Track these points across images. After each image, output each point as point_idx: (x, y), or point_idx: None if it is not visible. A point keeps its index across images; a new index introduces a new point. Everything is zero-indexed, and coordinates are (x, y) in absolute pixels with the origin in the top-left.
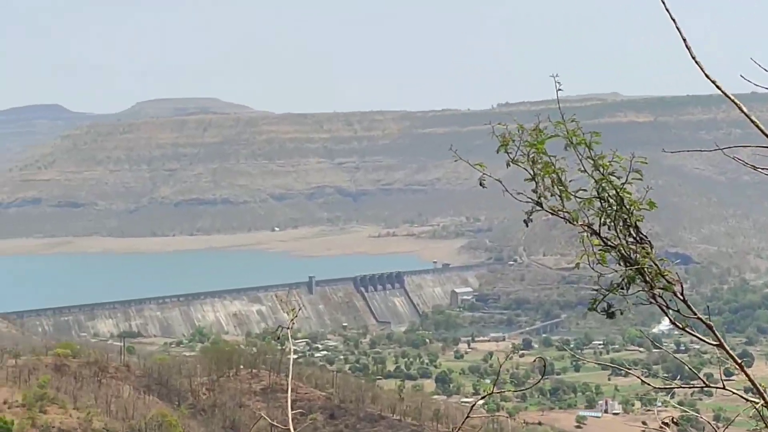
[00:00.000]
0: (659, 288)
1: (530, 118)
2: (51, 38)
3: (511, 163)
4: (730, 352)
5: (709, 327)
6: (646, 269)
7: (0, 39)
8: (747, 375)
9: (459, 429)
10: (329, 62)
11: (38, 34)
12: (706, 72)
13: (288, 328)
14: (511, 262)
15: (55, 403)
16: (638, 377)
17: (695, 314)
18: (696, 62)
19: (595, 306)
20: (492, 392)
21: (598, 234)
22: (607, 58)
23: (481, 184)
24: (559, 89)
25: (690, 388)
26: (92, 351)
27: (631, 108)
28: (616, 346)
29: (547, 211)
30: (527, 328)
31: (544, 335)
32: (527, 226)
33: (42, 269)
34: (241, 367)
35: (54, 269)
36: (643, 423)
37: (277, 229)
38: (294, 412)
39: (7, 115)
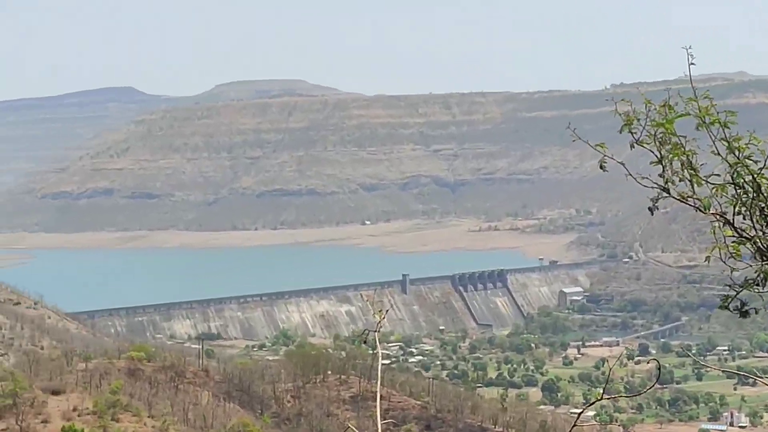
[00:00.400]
0: None
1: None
2: (123, 15)
3: (635, 145)
4: None
5: None
6: None
7: (69, 17)
8: None
9: None
10: (425, 39)
11: (110, 11)
12: None
13: (378, 330)
14: (626, 260)
15: (129, 410)
16: None
17: None
18: None
19: (727, 304)
20: (601, 398)
21: (731, 224)
22: (732, 36)
23: (601, 167)
24: (692, 63)
25: None
26: (168, 354)
27: (760, 88)
28: (743, 353)
29: (674, 197)
30: (643, 333)
31: (662, 340)
32: (652, 213)
33: (114, 265)
34: (329, 372)
35: (127, 265)
36: None
37: (367, 222)
38: (385, 422)
39: (78, 98)
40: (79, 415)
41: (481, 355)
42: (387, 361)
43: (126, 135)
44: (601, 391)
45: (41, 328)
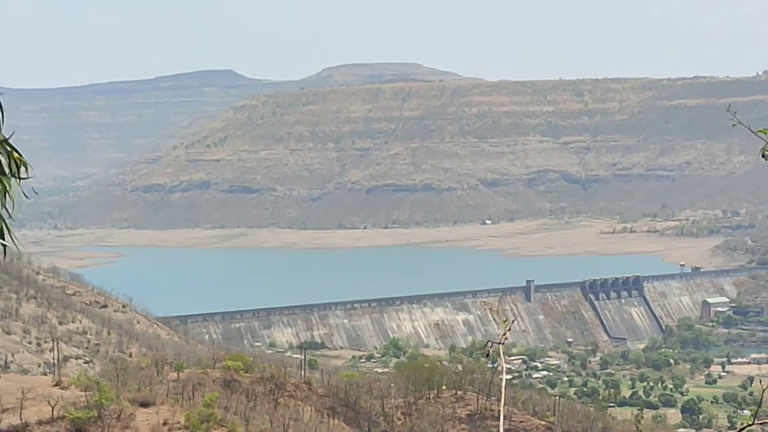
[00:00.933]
0: None
1: None
2: None
3: None
4: None
5: None
6: None
7: None
8: None
9: None
10: (555, 20)
11: None
12: None
13: (501, 342)
14: None
15: (224, 425)
16: None
17: None
18: None
19: None
20: (752, 423)
21: None
22: None
23: (763, 156)
24: None
25: None
26: (267, 364)
27: None
28: None
29: None
30: None
31: None
32: None
33: (209, 266)
34: (444, 387)
35: (223, 266)
36: None
37: (488, 222)
38: None
39: (172, 81)
40: (169, 430)
41: (613, 372)
42: (509, 376)
43: (224, 123)
44: (751, 415)
45: (130, 334)
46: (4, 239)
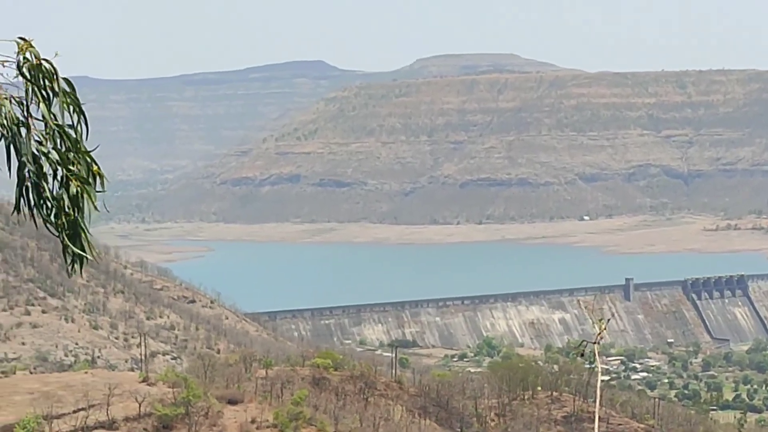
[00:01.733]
0: None
1: None
2: None
3: None
4: None
5: None
6: None
7: None
8: None
9: None
10: (656, 10)
11: None
12: None
13: (598, 342)
14: None
15: (313, 424)
16: None
17: None
18: None
19: None
20: None
21: None
22: None
23: None
24: None
25: None
26: (358, 362)
27: None
28: None
29: None
30: None
31: None
32: None
33: (299, 261)
34: (539, 389)
35: (313, 261)
36: None
37: (586, 218)
38: None
39: (262, 72)
40: (258, 428)
41: (715, 374)
42: (606, 378)
43: (315, 115)
44: None
45: (218, 330)
46: (85, 251)
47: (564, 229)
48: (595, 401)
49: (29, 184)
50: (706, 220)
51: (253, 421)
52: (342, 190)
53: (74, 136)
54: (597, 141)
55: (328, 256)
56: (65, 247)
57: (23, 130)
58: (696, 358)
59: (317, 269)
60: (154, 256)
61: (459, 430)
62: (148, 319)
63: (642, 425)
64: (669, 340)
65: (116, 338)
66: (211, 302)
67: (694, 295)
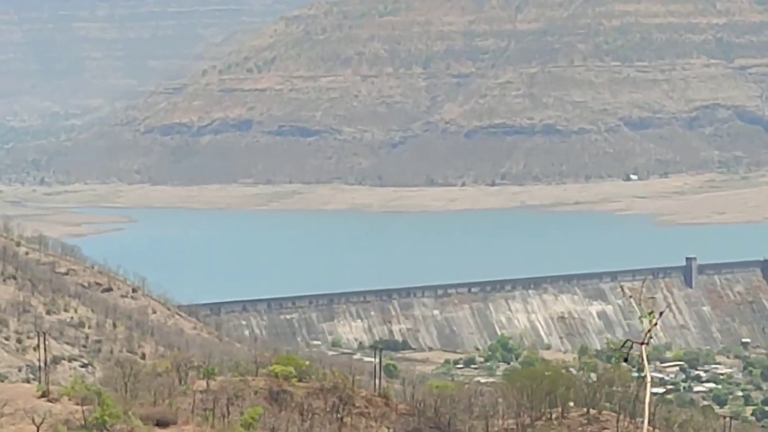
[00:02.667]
0: None
1: None
2: None
3: None
4: None
5: None
6: None
7: None
8: None
9: None
10: None
11: None
12: None
13: (646, 342)
14: None
15: None
16: None
17: None
18: None
19: None
20: None
21: None
22: None
23: None
24: None
25: None
26: (329, 370)
27: None
28: None
29: None
30: None
31: None
32: None
33: (251, 235)
34: (571, 405)
35: (271, 236)
36: None
37: (634, 177)
38: None
39: None
40: None
41: None
42: (660, 390)
43: (272, 39)
44: None
45: (142, 328)
46: None
47: (604, 191)
48: (643, 421)
49: None
50: None
51: None
52: (308, 140)
53: None
54: (648, 74)
55: (289, 229)
56: None
57: None
58: None
59: (275, 246)
60: (57, 229)
61: None
62: (48, 313)
63: None
64: (744, 340)
65: (6, 339)
66: (134, 291)
67: None
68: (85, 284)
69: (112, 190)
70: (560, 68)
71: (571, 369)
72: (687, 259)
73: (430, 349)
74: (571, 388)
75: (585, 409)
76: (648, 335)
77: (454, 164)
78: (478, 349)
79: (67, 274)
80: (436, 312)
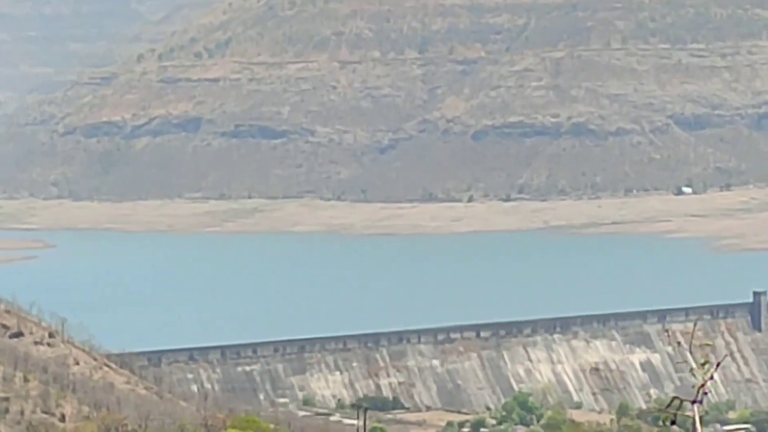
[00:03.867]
0: None
1: None
2: None
3: None
4: None
5: None
6: None
7: None
8: None
9: None
10: None
11: None
12: None
13: (696, 401)
14: None
15: None
16: None
17: None
18: None
19: None
20: None
21: None
22: None
23: None
24: None
25: None
26: None
27: None
28: None
29: None
30: None
31: None
32: None
33: (200, 265)
34: None
35: (224, 266)
36: None
37: (687, 190)
38: None
39: None
40: None
41: None
42: None
43: (226, 16)
44: None
45: (61, 382)
46: None
47: (649, 208)
48: None
49: None
50: None
51: None
52: (273, 144)
53: None
54: (705, 59)
55: (249, 257)
56: None
57: None
58: None
59: (231, 279)
60: None
61: None
62: None
63: None
64: None
65: None
66: (51, 336)
67: None
68: None
69: (22, 208)
70: (593, 52)
71: None
72: (755, 293)
73: (429, 408)
74: None
75: None
76: (702, 391)
77: (459, 174)
78: (489, 409)
79: None
80: (435, 362)
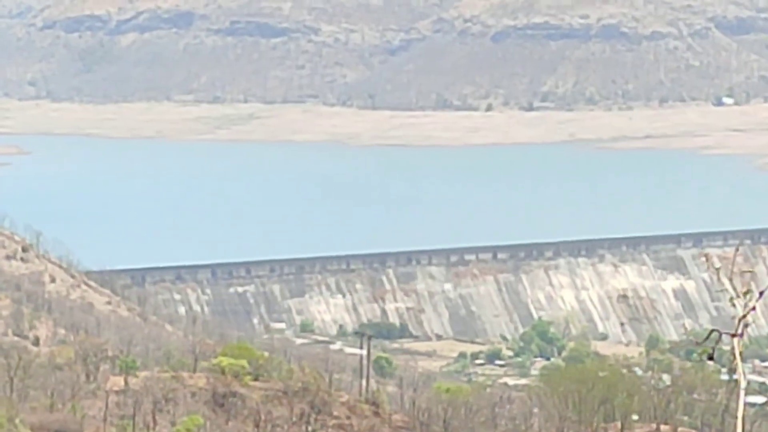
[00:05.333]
0: None
1: None
2: None
3: None
4: None
5: None
6: None
7: None
8: None
9: None
10: None
11: None
12: None
13: (737, 334)
14: None
15: None
16: None
17: None
18: None
19: None
20: None
21: None
22: None
23: None
24: None
25: None
26: (297, 366)
27: None
28: None
29: None
30: None
31: None
32: None
33: (191, 176)
34: (635, 418)
35: (217, 177)
36: None
37: (728, 100)
38: None
39: None
40: None
41: None
42: (761, 400)
43: None
44: None
45: (35, 301)
46: None
47: (687, 121)
48: None
49: None
50: None
51: None
52: (272, 43)
53: None
54: None
55: (244, 167)
56: None
57: None
58: None
59: (224, 192)
60: None
61: None
62: None
63: None
64: None
65: None
66: (24, 250)
67: None
68: None
69: None
70: None
71: (636, 368)
72: None
73: (439, 337)
74: (635, 394)
75: (654, 425)
76: (743, 323)
77: (477, 80)
78: (505, 339)
79: None
80: (447, 286)
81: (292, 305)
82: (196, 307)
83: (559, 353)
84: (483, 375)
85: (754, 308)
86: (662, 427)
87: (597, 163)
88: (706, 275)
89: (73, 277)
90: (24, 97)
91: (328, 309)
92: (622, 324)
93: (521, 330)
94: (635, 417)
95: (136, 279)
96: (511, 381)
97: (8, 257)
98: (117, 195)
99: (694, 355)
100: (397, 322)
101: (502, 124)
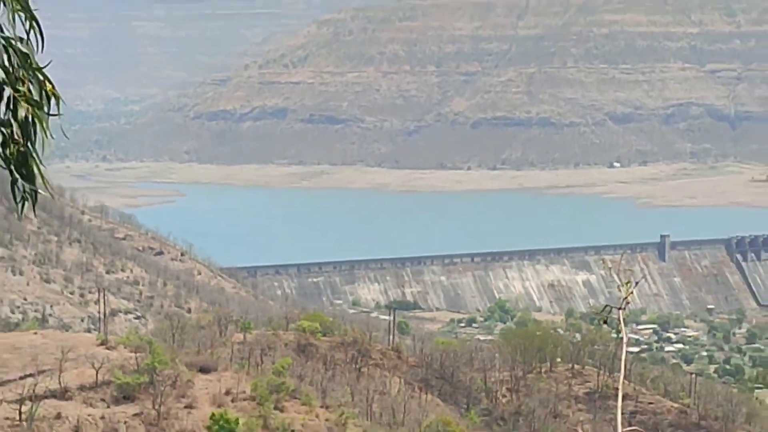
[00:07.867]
0: None
1: None
2: None
3: None
4: None
5: None
6: None
7: None
8: None
9: None
10: None
11: None
12: None
13: (623, 307)
14: None
15: (297, 397)
16: None
17: None
18: None
19: None
20: None
21: None
22: None
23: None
24: None
25: None
26: (350, 327)
27: None
28: None
29: None
30: None
31: None
32: None
33: (284, 209)
34: (558, 360)
35: (301, 210)
36: None
37: (617, 165)
38: (631, 429)
39: None
40: (233, 401)
41: (762, 347)
42: (635, 349)
43: (305, 39)
44: None
45: (189, 286)
46: (35, 184)
47: (591, 177)
48: (620, 376)
49: None
50: (754, 170)
51: (227, 393)
52: (335, 127)
53: (24, 50)
54: (631, 75)
55: (317, 204)
56: (13, 181)
57: None
58: (740, 328)
59: (305, 219)
60: (116, 200)
61: (465, 406)
62: (108, 272)
63: (676, 405)
64: (709, 307)
65: (71, 294)
66: (182, 255)
67: (739, 256)
68: (140, 248)
69: (164, 168)
70: (555, 69)
71: (559, 330)
72: (661, 236)
73: (437, 309)
74: (558, 346)
75: (570, 365)
76: (625, 301)
77: (462, 151)
78: (478, 311)
79: (124, 239)
80: (443, 278)
81: (347, 289)
82: (288, 291)
83: (512, 320)
84: (464, 333)
85: (631, 293)
86: (575, 366)
87: (536, 203)
88: (602, 272)
89: (211, 271)
90: (182, 161)
91: (369, 292)
92: (550, 302)
93: (488, 305)
94: (558, 360)
95: (251, 273)
96: (482, 337)
97: (173, 259)
98: (239, 221)
99: (595, 321)
100: (412, 300)
101: (477, 178)
